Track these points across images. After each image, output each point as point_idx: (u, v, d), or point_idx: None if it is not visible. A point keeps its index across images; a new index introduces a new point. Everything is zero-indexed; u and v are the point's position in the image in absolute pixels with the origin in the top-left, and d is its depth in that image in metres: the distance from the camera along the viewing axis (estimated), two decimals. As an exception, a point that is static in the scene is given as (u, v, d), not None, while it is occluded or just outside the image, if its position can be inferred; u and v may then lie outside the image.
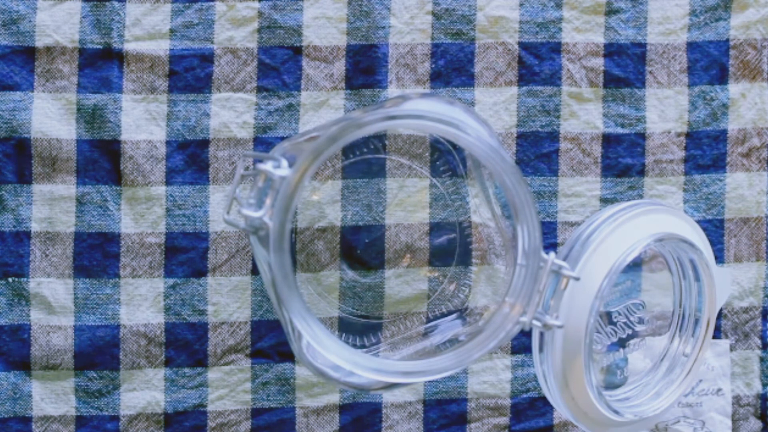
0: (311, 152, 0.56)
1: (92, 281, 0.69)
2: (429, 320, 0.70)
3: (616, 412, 0.63)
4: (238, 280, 0.70)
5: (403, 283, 0.70)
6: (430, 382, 0.71)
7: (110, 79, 0.69)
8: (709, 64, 0.72)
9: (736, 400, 0.73)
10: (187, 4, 0.69)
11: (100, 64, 0.69)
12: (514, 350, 0.72)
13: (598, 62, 0.71)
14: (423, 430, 0.71)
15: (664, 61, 0.72)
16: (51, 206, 0.69)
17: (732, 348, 0.73)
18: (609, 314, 0.65)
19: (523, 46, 0.71)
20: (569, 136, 0.71)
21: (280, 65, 0.70)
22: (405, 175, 0.70)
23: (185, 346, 0.70)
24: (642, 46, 0.72)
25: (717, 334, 0.72)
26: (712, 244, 0.68)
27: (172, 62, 0.69)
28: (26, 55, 0.68)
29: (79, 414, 0.69)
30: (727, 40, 0.72)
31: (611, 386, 0.67)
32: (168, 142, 0.69)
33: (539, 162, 0.71)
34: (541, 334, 0.62)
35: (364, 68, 0.70)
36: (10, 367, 0.69)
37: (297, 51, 0.70)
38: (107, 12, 0.68)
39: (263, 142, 0.70)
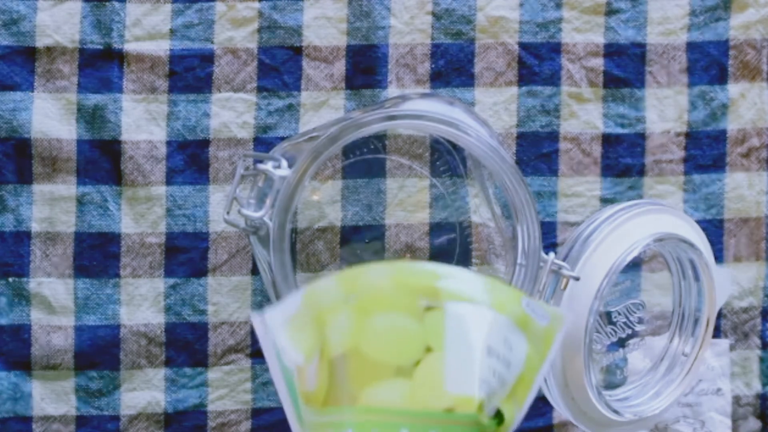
0: (311, 152, 0.56)
1: (92, 281, 0.69)
2: (429, 320, 0.70)
3: (615, 411, 0.63)
4: (238, 280, 0.70)
5: (403, 283, 0.70)
6: (430, 381, 0.71)
7: (110, 79, 0.69)
8: (709, 64, 0.72)
9: (736, 400, 0.73)
10: (188, 4, 0.69)
11: (101, 64, 0.69)
12: (514, 350, 0.72)
13: (598, 62, 0.71)
14: (423, 429, 0.71)
15: (664, 62, 0.72)
16: (51, 206, 0.69)
17: (731, 348, 0.73)
18: (609, 314, 0.65)
19: (523, 46, 0.71)
20: (569, 136, 0.71)
21: (280, 65, 0.70)
22: (405, 175, 0.70)
23: (185, 346, 0.70)
24: (642, 46, 0.72)
25: (717, 333, 0.72)
26: (712, 244, 0.68)
27: (173, 62, 0.69)
28: (26, 56, 0.68)
29: (79, 414, 0.69)
30: (727, 41, 0.72)
31: (611, 386, 0.67)
32: (168, 142, 0.69)
33: (539, 162, 0.71)
34: (541, 334, 0.62)
35: (364, 68, 0.70)
36: (10, 367, 0.69)
37: (297, 51, 0.70)
38: (107, 12, 0.68)
39: (263, 142, 0.70)
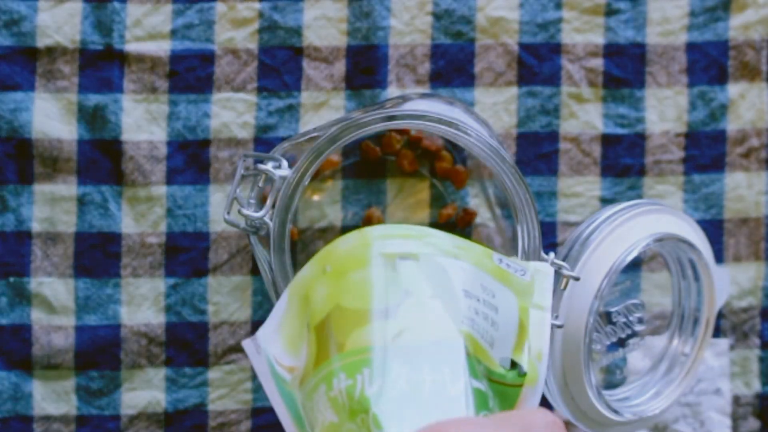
0: (311, 152, 0.56)
1: (93, 281, 0.69)
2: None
3: (615, 411, 0.63)
4: (239, 280, 0.70)
5: (403, 283, 0.70)
6: (430, 381, 0.71)
7: (111, 79, 0.69)
8: (709, 64, 0.72)
9: (735, 400, 0.73)
10: (188, 4, 0.69)
11: (101, 64, 0.69)
12: (514, 350, 0.72)
13: (598, 63, 0.71)
14: (423, 429, 0.71)
15: (664, 62, 0.72)
16: (52, 206, 0.69)
17: (731, 348, 0.73)
18: (608, 314, 0.65)
19: (523, 46, 0.71)
20: (569, 136, 0.71)
21: (280, 66, 0.70)
22: (405, 175, 0.71)
23: (186, 345, 0.70)
24: (641, 46, 0.72)
25: (716, 333, 0.73)
26: (712, 244, 0.68)
27: (173, 63, 0.69)
28: (27, 56, 0.68)
29: (80, 414, 0.69)
30: (726, 41, 0.72)
31: (610, 386, 0.67)
32: (169, 143, 0.69)
33: (539, 162, 0.71)
34: (541, 334, 0.62)
35: (364, 69, 0.70)
36: (11, 366, 0.69)
37: (297, 51, 0.70)
38: (108, 13, 0.69)
39: (263, 142, 0.70)
